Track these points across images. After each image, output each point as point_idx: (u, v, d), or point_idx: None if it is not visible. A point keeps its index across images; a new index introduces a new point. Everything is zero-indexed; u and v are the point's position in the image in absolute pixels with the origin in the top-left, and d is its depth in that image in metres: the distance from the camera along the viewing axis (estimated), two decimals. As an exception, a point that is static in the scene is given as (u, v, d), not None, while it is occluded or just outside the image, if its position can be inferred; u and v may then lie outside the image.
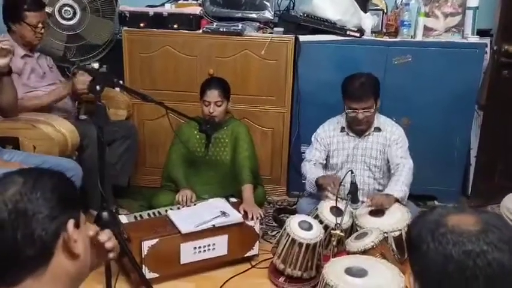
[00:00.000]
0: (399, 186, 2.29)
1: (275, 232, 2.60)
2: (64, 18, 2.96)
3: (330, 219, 2.15)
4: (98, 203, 1.91)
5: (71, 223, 0.87)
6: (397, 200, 2.26)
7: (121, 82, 2.72)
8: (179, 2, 3.03)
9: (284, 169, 3.12)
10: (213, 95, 2.48)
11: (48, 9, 2.84)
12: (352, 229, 2.21)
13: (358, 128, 2.45)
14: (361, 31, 2.87)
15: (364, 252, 1.93)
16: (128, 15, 2.88)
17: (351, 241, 2.03)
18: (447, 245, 0.77)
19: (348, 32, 2.84)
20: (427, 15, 2.97)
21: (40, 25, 2.46)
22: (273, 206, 2.99)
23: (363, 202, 2.27)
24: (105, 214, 1.90)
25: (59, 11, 2.94)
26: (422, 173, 2.61)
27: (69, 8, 2.95)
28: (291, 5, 3.10)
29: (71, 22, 2.98)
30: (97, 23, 3.01)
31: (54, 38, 2.96)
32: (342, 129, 2.51)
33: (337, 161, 2.51)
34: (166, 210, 2.30)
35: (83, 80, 2.38)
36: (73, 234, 0.87)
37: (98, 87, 1.83)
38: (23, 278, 0.84)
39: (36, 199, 0.84)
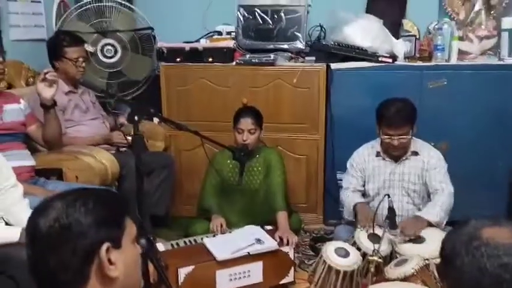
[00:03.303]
0: (435, 210, 2.22)
1: (312, 261, 2.54)
2: (106, 57, 3.13)
3: (368, 246, 2.09)
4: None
5: (104, 247, 0.87)
6: (430, 224, 2.18)
7: (153, 110, 2.83)
8: (214, 37, 3.15)
9: (320, 197, 3.09)
10: (246, 122, 2.52)
11: (91, 49, 3.02)
12: (391, 257, 2.14)
13: (394, 154, 2.42)
14: (393, 57, 2.88)
15: (405, 279, 1.86)
16: (165, 51, 3.01)
17: (390, 268, 1.96)
18: (482, 258, 0.75)
19: (379, 58, 2.86)
20: (461, 39, 2.96)
21: (80, 59, 2.60)
22: (310, 234, 2.95)
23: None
24: (143, 241, 1.93)
25: (101, 50, 3.11)
26: (464, 198, 2.51)
27: (110, 47, 3.12)
28: (322, 35, 3.16)
29: (112, 60, 3.14)
30: (137, 60, 3.16)
31: (97, 75, 3.12)
32: (377, 154, 2.47)
33: (374, 186, 2.47)
34: (202, 238, 2.31)
35: (119, 134, 2.56)
36: (109, 256, 0.88)
37: (135, 118, 1.90)
38: None
39: (69, 225, 0.86)
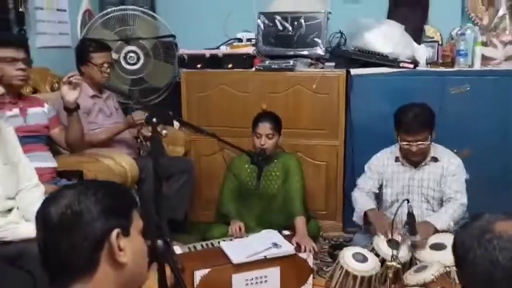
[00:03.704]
0: (445, 217, 2.18)
1: (330, 268, 2.51)
2: (129, 64, 3.19)
3: (387, 252, 2.05)
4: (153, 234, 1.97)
5: (115, 232, 0.90)
6: (436, 231, 2.14)
7: (171, 113, 2.87)
8: (234, 44, 3.18)
9: (339, 204, 3.05)
10: (265, 127, 2.53)
11: (115, 56, 3.09)
12: (411, 263, 2.09)
13: (412, 159, 2.38)
14: (415, 62, 2.84)
15: (424, 286, 1.82)
16: (186, 57, 3.06)
17: (409, 274, 1.92)
18: (494, 251, 0.73)
19: (401, 64, 2.82)
20: (484, 44, 2.90)
21: (105, 65, 2.66)
22: (329, 242, 2.91)
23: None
24: (160, 243, 1.95)
25: (125, 57, 3.17)
26: (488, 204, 2.42)
27: (133, 54, 3.18)
28: (342, 42, 3.15)
29: (135, 67, 3.20)
30: (159, 67, 3.22)
31: (120, 82, 3.19)
32: (396, 159, 2.44)
33: (392, 191, 2.43)
34: (219, 242, 2.31)
35: (140, 113, 2.55)
36: (119, 242, 0.90)
37: (154, 120, 1.93)
38: (71, 283, 0.88)
39: (80, 212, 0.89)
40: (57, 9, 3.03)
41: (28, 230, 1.66)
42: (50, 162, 2.29)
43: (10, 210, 1.82)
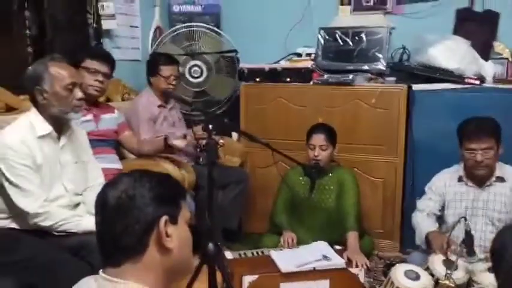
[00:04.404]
0: None
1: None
2: (193, 77, 3.35)
3: (441, 271, 1.96)
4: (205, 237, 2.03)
5: (163, 219, 0.96)
6: None
7: (226, 120, 2.96)
8: (293, 58, 3.24)
9: (397, 223, 2.95)
10: (318, 138, 2.53)
11: (181, 70, 3.27)
12: (468, 287, 1.98)
13: (477, 173, 2.24)
14: (481, 78, 2.73)
15: (480, 309, 1.71)
16: (246, 71, 3.16)
17: (464, 296, 1.81)
18: None
19: (466, 80, 2.72)
20: (560, 61, 2.72)
21: (172, 77, 2.83)
22: (384, 261, 2.81)
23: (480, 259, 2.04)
24: (210, 246, 2.01)
25: (189, 71, 3.34)
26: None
27: (197, 68, 3.34)
28: (405, 57, 3.10)
29: (199, 80, 3.35)
30: (220, 81, 3.35)
31: (184, 94, 3.35)
32: (460, 179, 2.33)
33: (454, 212, 2.31)
34: (269, 251, 2.33)
35: (200, 128, 2.67)
36: (166, 229, 0.96)
37: (210, 126, 2.02)
38: (122, 262, 0.96)
39: (134, 196, 0.96)
40: (131, 26, 3.26)
41: (90, 223, 1.77)
42: (116, 164, 2.46)
43: (77, 205, 1.98)
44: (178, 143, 2.47)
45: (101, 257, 1.00)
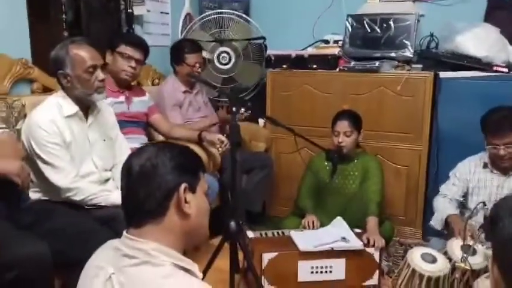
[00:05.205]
0: None
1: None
2: (221, 63, 3.42)
3: (458, 255, 1.97)
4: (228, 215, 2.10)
5: (183, 186, 1.04)
6: None
7: (250, 104, 3.00)
8: (320, 45, 3.26)
9: (420, 211, 2.96)
10: (343, 125, 2.55)
11: (209, 56, 3.35)
12: (486, 271, 1.98)
13: (501, 166, 2.24)
14: (509, 67, 2.68)
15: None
16: (272, 58, 3.20)
17: (480, 279, 1.82)
18: None
19: (494, 68, 2.68)
20: None
21: (197, 65, 2.90)
22: (405, 247, 2.83)
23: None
24: (232, 224, 2.08)
25: (218, 57, 3.41)
26: None
27: (226, 55, 3.41)
28: (434, 45, 3.07)
29: (227, 67, 3.42)
30: (248, 67, 3.40)
31: (212, 80, 3.42)
32: (485, 166, 2.32)
33: (478, 199, 2.31)
34: (289, 231, 2.39)
35: (224, 112, 2.76)
36: (185, 195, 1.04)
37: (233, 109, 2.08)
38: (145, 223, 1.04)
39: (156, 164, 1.04)
40: (161, 12, 3.36)
41: (118, 197, 1.88)
42: (145, 145, 2.57)
43: (107, 180, 2.09)
44: (213, 138, 2.54)
45: (125, 219, 1.08)
